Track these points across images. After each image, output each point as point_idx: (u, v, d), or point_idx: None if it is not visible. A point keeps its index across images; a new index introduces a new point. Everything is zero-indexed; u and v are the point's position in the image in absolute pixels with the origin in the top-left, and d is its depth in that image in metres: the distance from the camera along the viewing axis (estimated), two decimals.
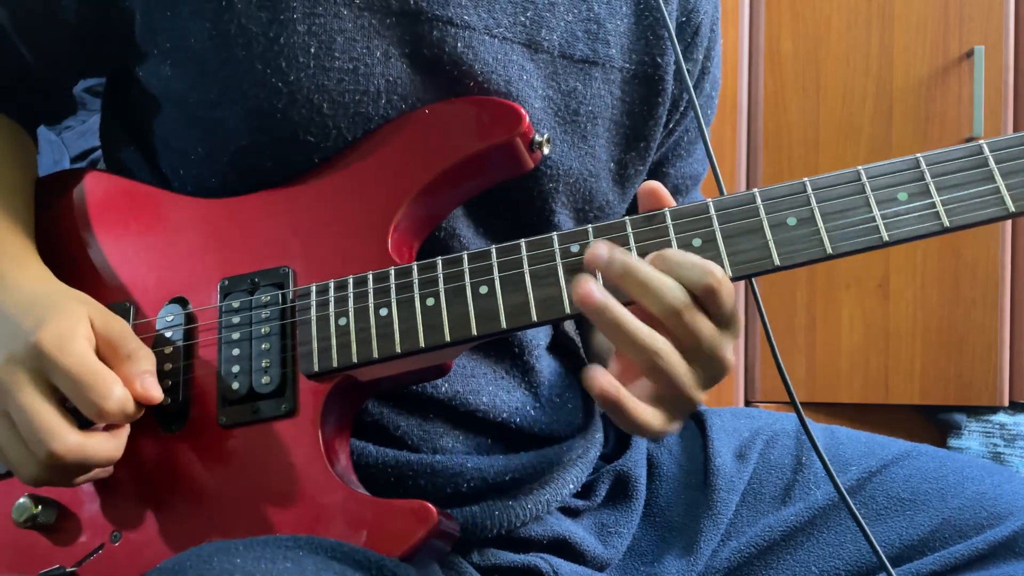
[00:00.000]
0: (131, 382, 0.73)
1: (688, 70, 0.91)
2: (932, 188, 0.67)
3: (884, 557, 0.78)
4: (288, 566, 0.62)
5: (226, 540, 0.67)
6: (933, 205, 0.67)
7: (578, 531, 0.86)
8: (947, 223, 0.67)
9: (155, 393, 0.74)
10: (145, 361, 0.75)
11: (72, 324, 0.73)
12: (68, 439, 0.71)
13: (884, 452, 0.90)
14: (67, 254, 0.85)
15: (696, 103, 0.82)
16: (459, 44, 0.80)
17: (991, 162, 0.67)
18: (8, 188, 0.85)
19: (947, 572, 0.82)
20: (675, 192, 0.99)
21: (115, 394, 0.71)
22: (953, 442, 1.99)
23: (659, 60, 0.87)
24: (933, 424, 2.04)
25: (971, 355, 1.95)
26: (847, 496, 0.79)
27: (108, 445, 0.73)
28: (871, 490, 0.87)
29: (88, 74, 0.94)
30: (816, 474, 0.90)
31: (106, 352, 0.74)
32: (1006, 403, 1.95)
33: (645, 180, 0.93)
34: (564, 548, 0.85)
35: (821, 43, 2.00)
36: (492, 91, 0.81)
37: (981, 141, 0.68)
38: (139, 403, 0.73)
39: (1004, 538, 0.82)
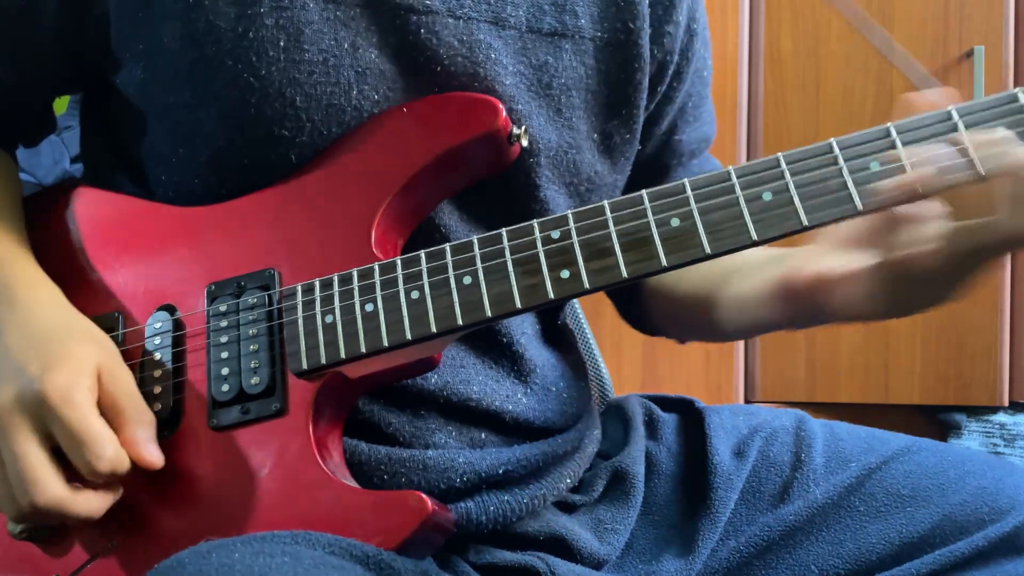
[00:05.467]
0: (134, 446, 0.74)
1: (670, 32, 0.91)
2: (903, 155, 0.67)
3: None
4: (286, 560, 0.62)
5: (223, 539, 0.67)
6: (904, 170, 0.66)
7: (575, 528, 0.86)
8: (920, 189, 0.66)
9: (156, 459, 0.75)
10: (148, 427, 0.76)
11: (77, 374, 0.73)
12: (50, 492, 0.72)
13: (884, 448, 0.89)
14: (57, 268, 0.85)
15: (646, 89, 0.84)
16: (422, 30, 0.80)
17: (960, 127, 0.66)
18: (4, 210, 0.86)
19: (948, 570, 0.82)
20: (691, 156, 1.00)
21: (108, 454, 0.72)
22: (953, 442, 1.99)
23: (631, 25, 0.87)
24: (933, 424, 2.03)
25: (971, 355, 1.95)
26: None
27: (90, 503, 0.74)
28: (871, 487, 0.87)
29: (67, 90, 0.94)
30: (815, 471, 0.89)
31: (109, 409, 0.75)
32: (1006, 403, 1.95)
33: (655, 148, 0.94)
34: (561, 546, 0.85)
35: (821, 43, 2.00)
36: (459, 73, 0.81)
37: (950, 107, 0.67)
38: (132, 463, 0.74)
39: (1006, 534, 0.81)
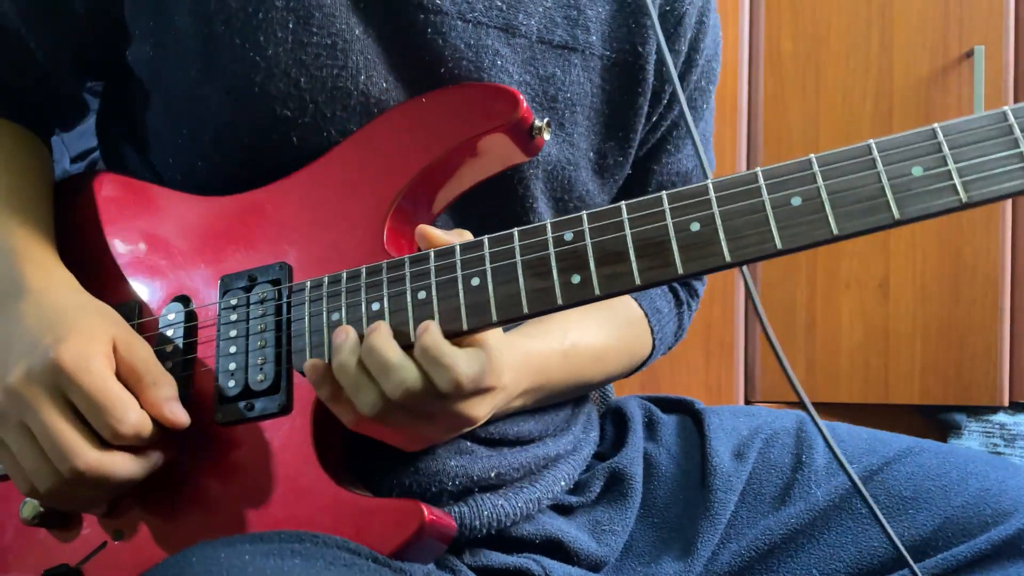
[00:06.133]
0: (158, 407, 0.74)
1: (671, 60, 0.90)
2: (950, 159, 0.61)
3: (907, 553, 0.76)
4: (297, 563, 0.62)
5: (229, 536, 0.67)
6: (950, 176, 0.60)
7: (571, 530, 0.85)
8: (965, 198, 0.60)
9: (183, 419, 0.75)
10: (168, 387, 0.75)
11: (92, 343, 0.73)
12: (90, 456, 0.72)
13: (886, 449, 0.89)
14: (79, 257, 0.85)
15: (681, 93, 0.80)
16: (429, 30, 0.80)
17: (1016, 129, 0.60)
18: (28, 196, 0.86)
19: (951, 573, 0.81)
20: (659, 188, 0.96)
21: (130, 418, 0.72)
22: (953, 442, 1.99)
23: (640, 49, 0.87)
24: (933, 424, 2.03)
25: (971, 355, 1.95)
26: (864, 490, 0.77)
27: (128, 464, 0.73)
28: (873, 489, 0.86)
29: (95, 73, 0.94)
30: (816, 473, 0.89)
31: (128, 377, 0.75)
32: (1006, 403, 1.95)
33: (629, 173, 0.92)
34: (557, 548, 0.84)
35: (821, 43, 2.00)
36: (462, 77, 0.80)
37: (1005, 107, 0.61)
38: (157, 427, 0.74)
39: (1009, 536, 0.80)
